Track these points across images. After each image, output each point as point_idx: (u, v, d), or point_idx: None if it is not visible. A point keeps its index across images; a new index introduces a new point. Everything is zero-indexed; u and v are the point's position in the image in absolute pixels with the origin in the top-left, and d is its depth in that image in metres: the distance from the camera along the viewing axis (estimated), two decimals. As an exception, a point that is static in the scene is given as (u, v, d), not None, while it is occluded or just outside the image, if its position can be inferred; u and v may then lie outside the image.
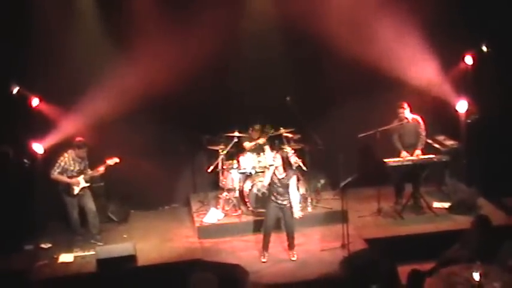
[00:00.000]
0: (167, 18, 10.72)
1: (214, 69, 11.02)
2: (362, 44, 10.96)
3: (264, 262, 9.50)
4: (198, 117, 11.31)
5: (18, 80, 10.33)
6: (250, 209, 10.65)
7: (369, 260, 8.50)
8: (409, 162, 10.55)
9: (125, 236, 10.69)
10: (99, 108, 10.70)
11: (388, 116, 10.76)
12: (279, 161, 9.27)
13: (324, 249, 9.78)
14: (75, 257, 9.85)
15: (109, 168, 10.19)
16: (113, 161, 10.16)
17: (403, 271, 7.12)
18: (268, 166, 9.72)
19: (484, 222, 8.42)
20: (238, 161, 10.99)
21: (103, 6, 10.82)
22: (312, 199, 10.98)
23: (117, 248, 9.82)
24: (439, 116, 11.44)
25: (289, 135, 11.05)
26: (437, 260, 8.39)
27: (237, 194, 10.95)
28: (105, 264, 9.32)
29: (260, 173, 10.65)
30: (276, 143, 11.08)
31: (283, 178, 9.30)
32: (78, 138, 10.00)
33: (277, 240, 9.78)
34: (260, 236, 9.74)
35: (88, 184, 10.14)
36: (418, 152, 10.66)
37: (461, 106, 11.33)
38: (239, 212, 10.85)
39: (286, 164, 9.36)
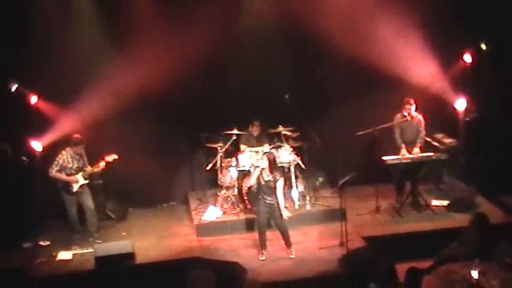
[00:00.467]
0: (165, 17, 10.72)
1: (213, 68, 11.02)
2: (361, 42, 10.97)
3: (262, 260, 9.51)
4: (197, 115, 11.31)
5: (17, 78, 10.33)
6: (249, 207, 10.65)
7: (367, 258, 8.50)
8: (408, 160, 10.56)
9: (123, 233, 10.70)
10: (97, 106, 10.69)
11: (387, 114, 10.75)
12: (265, 163, 9.30)
13: (322, 247, 9.78)
14: (73, 254, 9.86)
15: (108, 165, 10.19)
16: (111, 157, 10.16)
17: (402, 269, 7.14)
18: (254, 167, 9.69)
19: (482, 220, 8.43)
20: (236, 159, 10.98)
21: (102, 4, 10.81)
22: (310, 197, 10.98)
23: (115, 245, 9.82)
24: (437, 114, 11.43)
25: (288, 133, 11.06)
26: (435, 257, 8.40)
27: (235, 191, 10.95)
28: (104, 261, 9.33)
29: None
30: (274, 141, 11.08)
31: (269, 180, 9.33)
32: (75, 135, 10.01)
33: (276, 238, 9.78)
34: (258, 234, 9.77)
35: (87, 181, 10.14)
36: (416, 150, 10.67)
37: (460, 104, 11.35)
38: (238, 209, 10.85)
39: (273, 166, 9.37)
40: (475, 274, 7.16)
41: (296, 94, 10.97)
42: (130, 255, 9.50)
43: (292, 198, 10.82)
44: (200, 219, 10.71)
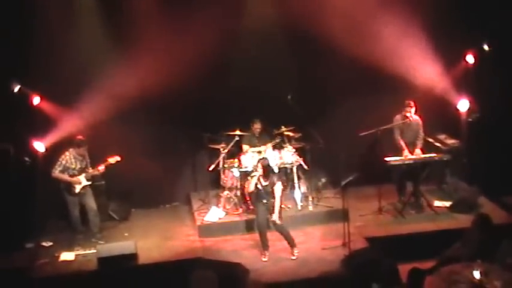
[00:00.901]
0: (167, 18, 10.72)
1: (216, 68, 11.02)
2: (363, 42, 10.96)
3: (264, 261, 9.51)
4: (199, 116, 11.32)
5: (20, 78, 10.33)
6: (251, 207, 10.64)
7: (369, 259, 8.50)
8: (410, 161, 10.55)
9: (125, 234, 10.71)
10: (99, 107, 10.70)
11: (390, 115, 10.75)
12: (260, 171, 9.38)
13: (325, 248, 9.78)
14: (76, 255, 9.87)
15: (110, 166, 10.20)
16: (114, 159, 10.18)
17: (404, 270, 7.12)
18: (251, 175, 9.72)
19: (484, 220, 8.42)
20: (239, 160, 10.99)
21: (104, 5, 10.82)
22: (313, 197, 10.98)
23: (118, 246, 9.82)
24: (440, 114, 11.43)
25: (290, 133, 11.06)
26: (438, 258, 8.39)
27: (238, 192, 10.95)
28: (106, 262, 9.33)
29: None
30: (277, 140, 11.08)
31: (266, 186, 9.39)
32: (79, 137, 10.02)
33: (278, 239, 9.77)
34: (261, 235, 9.77)
35: (89, 182, 10.15)
36: (418, 151, 10.66)
37: (463, 105, 11.34)
38: (240, 210, 10.85)
39: (268, 172, 9.43)
40: (477, 275, 7.16)
41: (298, 94, 10.98)
42: (132, 256, 9.49)
43: (294, 199, 10.81)
44: (203, 219, 10.71)
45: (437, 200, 10.99)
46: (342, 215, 9.90)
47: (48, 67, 10.45)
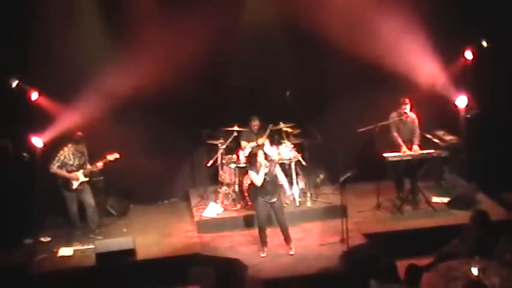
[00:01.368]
0: (166, 14, 10.70)
1: (214, 64, 11.01)
2: (362, 39, 10.95)
3: (263, 257, 9.52)
4: (198, 111, 11.31)
5: (18, 74, 10.31)
6: (250, 203, 10.65)
7: (368, 255, 8.52)
8: (409, 157, 10.55)
9: (124, 230, 10.71)
10: (99, 104, 10.69)
11: (388, 111, 10.74)
12: (264, 161, 9.37)
13: (323, 244, 9.79)
14: (74, 250, 9.87)
15: (109, 163, 10.20)
16: (113, 156, 10.18)
17: (402, 266, 7.13)
18: (265, 165, 9.55)
19: (483, 217, 8.44)
20: (237, 156, 10.99)
21: (103, 2, 10.81)
22: (311, 194, 10.98)
23: (116, 242, 9.83)
24: (438, 111, 11.42)
25: (289, 129, 11.05)
26: (436, 254, 8.41)
27: (236, 188, 10.96)
28: (105, 258, 9.34)
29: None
30: (275, 138, 11.08)
31: (270, 171, 9.40)
32: (77, 133, 10.02)
33: (276, 235, 9.78)
34: (259, 231, 9.77)
35: (87, 179, 10.15)
36: (416, 147, 10.66)
37: (461, 101, 11.33)
38: (238, 206, 10.86)
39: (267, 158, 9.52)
40: (475, 271, 7.17)
41: (297, 91, 10.96)
42: (131, 252, 9.50)
43: (293, 195, 10.82)
44: (201, 215, 10.71)
45: (435, 196, 10.99)
46: (340, 211, 9.90)
47: (46, 62, 10.43)
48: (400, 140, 10.69)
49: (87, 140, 10.06)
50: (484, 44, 11.17)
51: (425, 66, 11.34)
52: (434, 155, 10.65)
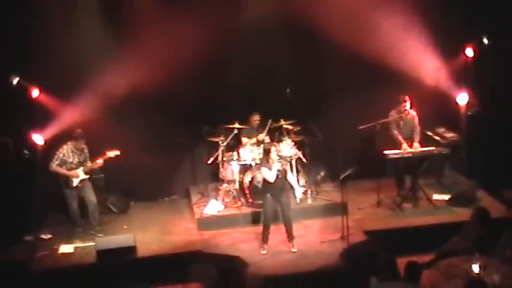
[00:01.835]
0: (167, 11, 10.68)
1: (215, 61, 10.99)
2: (362, 36, 10.94)
3: (263, 254, 9.52)
4: (198, 109, 11.31)
5: (18, 71, 10.31)
6: (250, 200, 10.66)
7: (368, 252, 8.53)
8: (409, 154, 10.55)
9: (124, 227, 10.71)
10: (99, 101, 10.69)
11: (389, 109, 10.74)
12: (277, 157, 9.43)
13: (324, 241, 9.79)
14: (75, 247, 9.88)
15: (109, 160, 10.20)
16: (113, 153, 10.17)
17: (403, 263, 7.14)
18: (275, 160, 9.48)
19: (483, 214, 8.45)
20: (238, 153, 10.99)
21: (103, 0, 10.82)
22: (311, 191, 10.98)
23: (117, 239, 9.84)
24: (439, 108, 11.42)
25: (289, 127, 11.04)
26: (436, 252, 8.41)
27: (237, 185, 10.96)
28: (105, 255, 9.35)
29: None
30: (276, 135, 11.08)
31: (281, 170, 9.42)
32: (77, 130, 10.01)
33: (277, 232, 9.79)
34: (260, 228, 9.76)
35: (87, 176, 10.15)
36: (416, 144, 10.66)
37: (462, 98, 11.32)
38: (239, 203, 10.86)
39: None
40: (476, 268, 7.18)
41: (298, 88, 10.96)
42: (131, 249, 9.51)
43: (293, 192, 10.81)
44: (201, 213, 10.72)
45: (436, 193, 11.00)
46: (341, 209, 9.91)
47: (47, 60, 10.42)
48: (400, 138, 10.69)
49: (87, 138, 10.06)
50: (485, 41, 11.16)
51: (426, 64, 11.33)
52: (435, 152, 10.65)
